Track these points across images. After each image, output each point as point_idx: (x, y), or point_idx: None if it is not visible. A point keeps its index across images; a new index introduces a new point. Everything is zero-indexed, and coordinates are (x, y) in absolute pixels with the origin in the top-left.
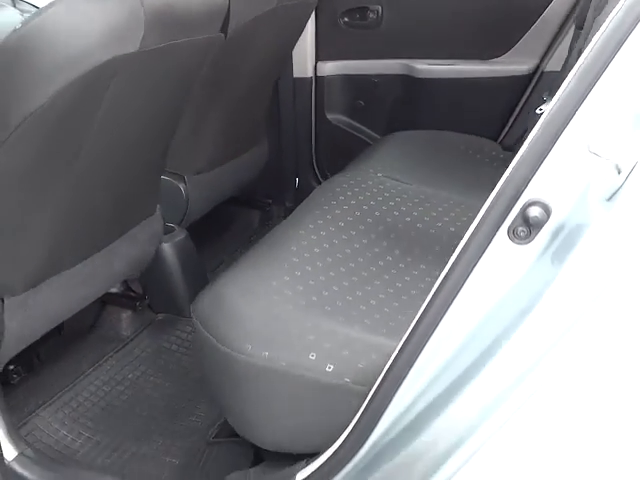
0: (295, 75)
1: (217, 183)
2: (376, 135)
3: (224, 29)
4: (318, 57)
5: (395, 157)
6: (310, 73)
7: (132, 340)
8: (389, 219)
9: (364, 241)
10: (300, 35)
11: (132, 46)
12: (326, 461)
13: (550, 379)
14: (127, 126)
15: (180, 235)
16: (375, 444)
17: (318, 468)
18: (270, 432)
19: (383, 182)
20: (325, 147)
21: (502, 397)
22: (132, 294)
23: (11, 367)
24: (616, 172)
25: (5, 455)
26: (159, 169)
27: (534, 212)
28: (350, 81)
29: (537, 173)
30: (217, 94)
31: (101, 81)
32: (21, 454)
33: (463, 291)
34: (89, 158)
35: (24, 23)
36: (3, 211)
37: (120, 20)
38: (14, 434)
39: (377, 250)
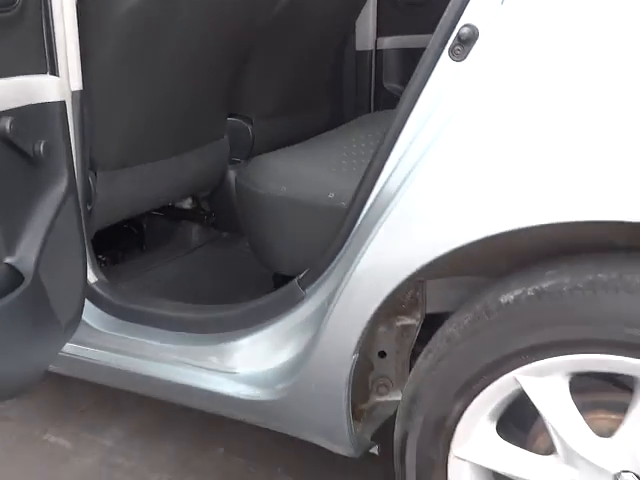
0: (357, 49)
1: (280, 130)
2: None
3: None
4: (378, 33)
5: None
6: (371, 47)
7: (199, 247)
8: None
9: None
10: (361, 9)
11: None
12: (320, 257)
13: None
14: (201, 38)
15: (245, 166)
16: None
17: (314, 265)
18: (287, 256)
19: None
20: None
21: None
22: (201, 212)
23: (100, 256)
24: None
25: (89, 278)
26: (225, 95)
27: (465, 31)
28: (406, 53)
29: (466, 4)
30: (284, 43)
31: None
32: (101, 280)
33: (419, 102)
34: (169, 61)
35: None
36: (102, 96)
37: None
38: (97, 264)
39: None
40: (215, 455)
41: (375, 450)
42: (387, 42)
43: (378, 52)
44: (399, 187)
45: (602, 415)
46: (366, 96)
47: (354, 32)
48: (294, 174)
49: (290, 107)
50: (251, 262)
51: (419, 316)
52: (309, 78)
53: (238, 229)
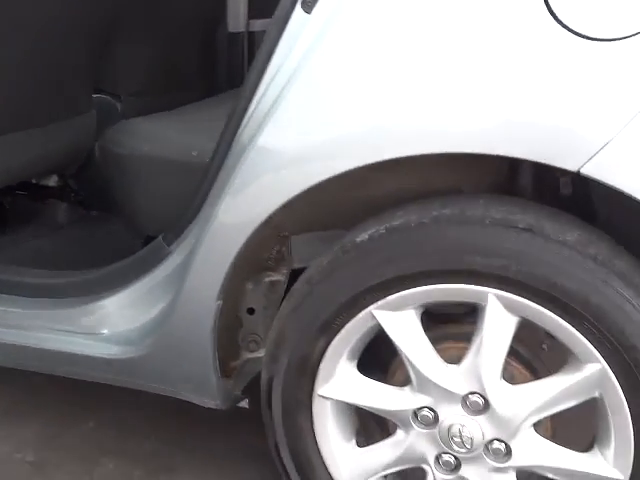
0: (230, 30)
1: (151, 108)
2: None
3: None
4: (250, 15)
5: None
6: (243, 28)
7: (66, 226)
8: None
9: None
10: None
11: None
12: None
13: None
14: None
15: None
16: None
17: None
18: (155, 217)
19: None
20: None
21: None
22: (68, 189)
23: None
24: None
25: None
26: (89, 68)
27: None
28: None
29: None
30: (151, 21)
31: None
32: None
33: (276, 52)
34: (20, 26)
35: None
36: None
37: None
38: None
39: None
40: (86, 429)
41: (245, 403)
42: (259, 24)
43: (250, 34)
44: (251, 138)
45: (451, 344)
46: (239, 77)
47: (225, 14)
48: (158, 135)
49: (161, 85)
50: (121, 239)
51: (285, 271)
52: (180, 57)
53: (107, 207)
